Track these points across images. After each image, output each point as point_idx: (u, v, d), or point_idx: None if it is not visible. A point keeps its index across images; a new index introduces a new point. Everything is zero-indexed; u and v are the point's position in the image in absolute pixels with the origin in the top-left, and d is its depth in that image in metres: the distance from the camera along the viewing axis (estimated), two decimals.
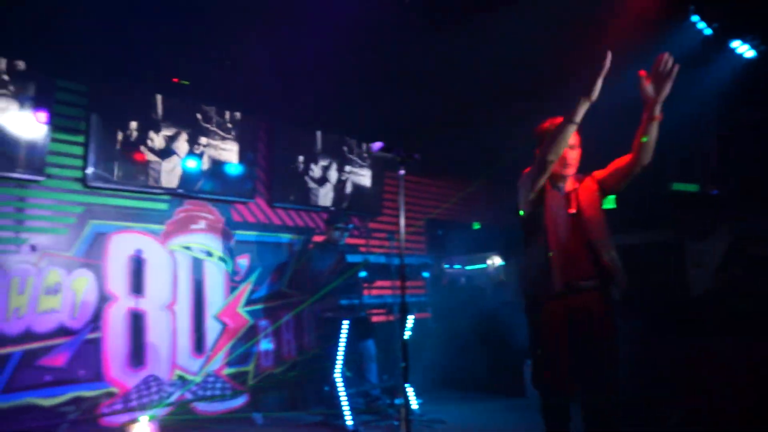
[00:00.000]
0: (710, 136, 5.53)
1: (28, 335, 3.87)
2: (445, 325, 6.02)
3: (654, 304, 4.67)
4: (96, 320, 4.18)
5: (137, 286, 4.45)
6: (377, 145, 2.54)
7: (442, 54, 4.51)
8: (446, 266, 6.77)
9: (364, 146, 6.09)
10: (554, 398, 2.52)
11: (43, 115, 3.97)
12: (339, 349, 4.36)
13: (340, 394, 4.25)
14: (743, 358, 3.71)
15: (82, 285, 4.16)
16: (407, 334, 2.46)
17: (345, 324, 4.39)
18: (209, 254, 4.91)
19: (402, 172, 2.56)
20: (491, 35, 4.05)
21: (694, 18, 4.57)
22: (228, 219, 5.08)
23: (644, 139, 2.43)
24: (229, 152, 5.04)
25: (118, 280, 4.34)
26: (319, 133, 5.74)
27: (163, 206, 4.67)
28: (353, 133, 5.96)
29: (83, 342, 4.09)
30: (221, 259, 4.98)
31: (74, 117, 4.24)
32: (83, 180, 4.23)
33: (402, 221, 2.52)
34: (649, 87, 2.38)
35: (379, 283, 5.30)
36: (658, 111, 2.40)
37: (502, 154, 5.19)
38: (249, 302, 5.11)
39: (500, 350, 5.42)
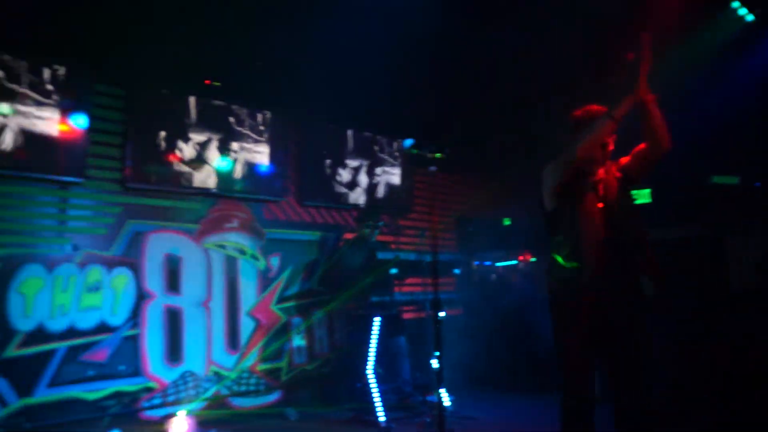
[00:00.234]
0: (752, 126, 5.33)
1: (72, 331, 4.00)
2: (476, 321, 5.98)
3: (692, 300, 4.55)
4: (135, 317, 4.30)
5: (173, 283, 4.55)
6: (408, 142, 2.53)
7: (474, 50, 4.47)
8: (476, 263, 6.71)
9: (395, 145, 6.09)
10: (578, 401, 2.40)
11: (82, 119, 4.09)
12: (370, 345, 4.39)
13: (372, 390, 4.27)
14: None
15: (122, 283, 4.29)
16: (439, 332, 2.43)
17: (376, 321, 4.41)
18: (242, 252, 4.99)
19: (433, 168, 2.54)
20: (526, 30, 4.00)
21: (735, 4, 4.42)
22: (260, 217, 5.15)
23: (645, 125, 2.33)
24: (260, 152, 5.11)
25: (155, 277, 4.45)
26: (350, 132, 5.76)
27: (197, 206, 4.77)
28: (383, 130, 5.97)
29: (123, 338, 4.22)
30: (254, 257, 5.06)
31: (112, 120, 4.36)
32: (121, 181, 4.35)
33: (434, 218, 2.51)
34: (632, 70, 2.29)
35: (409, 280, 5.31)
36: (646, 91, 2.29)
37: (533, 148, 5.13)
38: (281, 299, 5.17)
39: (531, 347, 5.36)
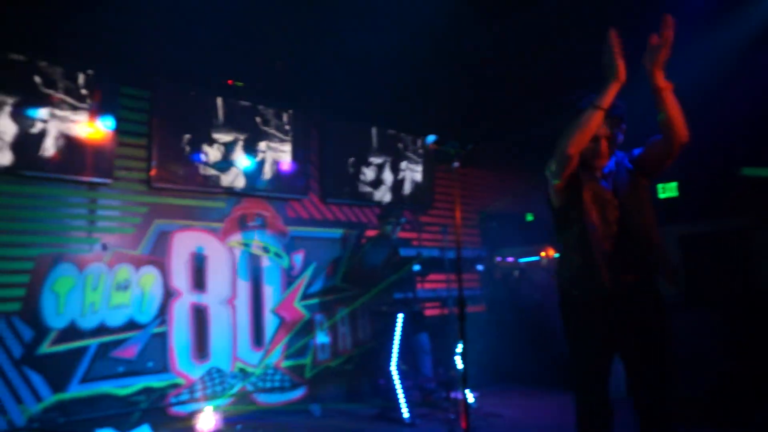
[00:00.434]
0: None
1: (102, 329, 4.10)
2: (500, 318, 5.95)
3: (722, 295, 4.46)
4: (162, 314, 4.38)
5: (199, 281, 4.63)
6: (431, 138, 2.52)
7: (495, 45, 4.42)
8: (498, 259, 6.67)
9: (418, 141, 6.08)
10: (594, 405, 2.27)
11: (110, 121, 4.18)
12: (393, 342, 4.40)
13: (395, 387, 4.29)
14: None
15: (149, 281, 4.37)
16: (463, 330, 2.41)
17: (399, 317, 4.41)
18: (266, 250, 5.05)
19: (456, 164, 2.52)
20: (548, 24, 3.94)
21: None
22: (283, 215, 5.20)
23: (661, 116, 2.14)
24: (283, 151, 5.15)
25: (181, 276, 4.53)
26: (373, 130, 5.77)
27: (221, 204, 4.84)
28: (406, 127, 5.96)
29: (151, 335, 4.30)
30: (277, 254, 5.11)
31: (138, 122, 4.44)
32: (147, 181, 4.43)
33: (457, 214, 2.49)
34: (648, 55, 2.10)
35: (432, 276, 5.30)
36: (662, 80, 2.11)
37: (556, 144, 5.05)
38: (305, 297, 5.22)
39: (555, 343, 5.30)
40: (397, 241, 5.10)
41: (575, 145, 2.20)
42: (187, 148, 4.60)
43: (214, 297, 4.69)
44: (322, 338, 5.24)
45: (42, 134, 3.93)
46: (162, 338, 4.36)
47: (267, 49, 4.34)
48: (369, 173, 5.72)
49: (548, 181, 2.41)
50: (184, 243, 4.59)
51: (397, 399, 4.28)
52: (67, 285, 3.99)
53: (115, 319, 4.17)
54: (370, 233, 5.60)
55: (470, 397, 4.54)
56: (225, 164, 4.78)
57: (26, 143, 3.86)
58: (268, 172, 5.04)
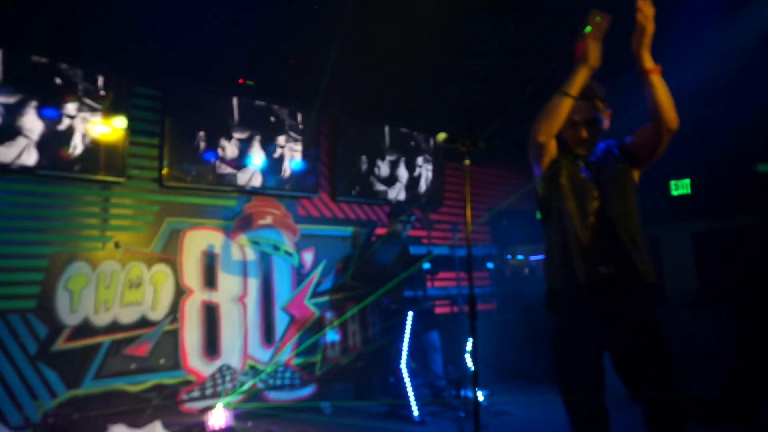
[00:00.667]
0: None
1: (115, 326, 4.14)
2: (509, 315, 5.93)
3: (733, 293, 4.41)
4: (174, 312, 4.42)
5: (210, 279, 4.66)
6: (442, 135, 2.50)
7: (507, 42, 4.40)
8: (508, 257, 6.65)
9: (428, 139, 6.07)
10: (585, 408, 2.10)
11: (123, 121, 4.22)
12: (403, 340, 4.40)
13: (405, 384, 4.29)
14: None
15: (161, 279, 4.41)
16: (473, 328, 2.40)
17: (409, 315, 4.42)
18: (276, 248, 5.07)
19: (467, 162, 2.51)
20: (559, 20, 3.91)
21: None
22: (293, 214, 5.22)
23: (648, 100, 2.03)
24: (294, 149, 5.17)
25: (192, 274, 4.56)
26: (385, 128, 5.77)
27: (232, 203, 4.86)
28: (417, 125, 5.96)
29: (163, 332, 4.34)
30: (287, 252, 5.13)
31: (150, 121, 4.48)
32: (159, 180, 4.47)
33: (468, 212, 2.47)
34: (634, 37, 2.00)
35: (442, 274, 5.30)
36: (649, 61, 2.01)
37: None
38: (315, 294, 5.24)
39: None
40: (407, 239, 5.10)
41: (543, 132, 2.14)
42: (199, 147, 4.63)
43: (225, 295, 4.72)
44: (332, 336, 5.26)
45: (58, 134, 3.98)
46: (174, 335, 4.39)
47: (279, 47, 4.35)
48: (382, 171, 5.72)
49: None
50: (196, 241, 4.62)
51: (407, 397, 4.28)
52: (80, 283, 4.03)
53: (128, 317, 4.21)
54: (380, 231, 5.61)
55: (480, 395, 4.54)
56: (236, 163, 4.80)
57: (42, 143, 3.91)
58: (278, 171, 5.06)
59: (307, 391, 5.02)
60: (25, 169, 3.85)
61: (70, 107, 4.04)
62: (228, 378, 4.61)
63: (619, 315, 2.11)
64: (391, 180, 5.81)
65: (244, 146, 4.88)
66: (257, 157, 4.94)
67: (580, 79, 2.08)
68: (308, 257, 5.25)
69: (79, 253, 4.06)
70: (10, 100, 3.82)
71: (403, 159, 5.89)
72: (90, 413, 3.92)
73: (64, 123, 4.01)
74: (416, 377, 4.50)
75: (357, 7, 3.66)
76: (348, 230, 5.55)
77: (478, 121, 5.42)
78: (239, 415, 4.34)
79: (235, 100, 4.84)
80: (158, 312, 4.35)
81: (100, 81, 4.15)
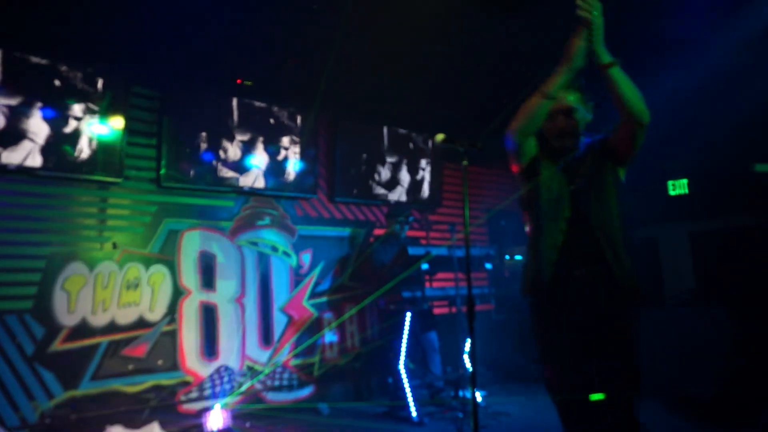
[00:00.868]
0: None
1: (113, 326, 4.13)
2: (508, 316, 5.93)
3: (731, 293, 4.41)
4: (172, 313, 4.41)
5: (208, 280, 4.65)
6: (440, 136, 2.50)
7: (507, 43, 4.40)
8: (507, 257, 6.65)
9: (427, 140, 6.07)
10: (575, 410, 2.12)
11: (120, 121, 4.21)
12: (402, 341, 4.40)
13: (404, 385, 4.29)
14: None
15: (159, 280, 4.40)
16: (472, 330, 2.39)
17: (408, 316, 4.41)
18: (274, 249, 5.06)
19: (465, 163, 2.51)
20: (559, 20, 3.90)
21: None
22: (292, 214, 5.21)
23: (611, 97, 1.97)
24: (292, 150, 5.17)
25: (190, 274, 4.55)
26: (384, 129, 5.77)
27: (230, 203, 4.86)
28: (415, 126, 5.95)
29: (161, 333, 4.33)
30: (285, 253, 5.12)
31: (148, 121, 4.47)
32: (157, 181, 4.46)
33: (467, 212, 2.47)
34: (586, 33, 1.96)
35: (440, 275, 5.29)
36: (605, 56, 1.97)
37: None
38: (313, 295, 5.23)
39: None
40: (406, 239, 5.09)
41: (519, 131, 2.12)
42: (197, 148, 4.62)
43: (223, 295, 4.71)
44: (330, 337, 5.25)
45: (56, 135, 3.97)
46: (172, 336, 4.38)
47: (278, 49, 4.35)
48: (377, 172, 5.72)
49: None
50: (194, 242, 4.61)
51: (406, 397, 4.28)
52: (78, 283, 4.02)
53: (126, 318, 4.20)
54: (379, 232, 5.60)
55: (478, 396, 4.53)
56: (234, 164, 4.79)
57: (39, 144, 3.89)
58: (277, 172, 5.05)
59: (306, 391, 5.01)
60: (22, 170, 3.84)
61: (69, 108, 4.02)
62: (226, 379, 4.60)
63: (586, 320, 2.05)
64: (390, 181, 5.80)
65: (243, 147, 4.87)
66: (255, 158, 4.93)
67: (559, 79, 2.05)
68: (306, 258, 5.24)
69: (76, 253, 4.05)
70: (9, 101, 3.80)
71: (401, 159, 5.89)
72: (87, 414, 3.91)
73: (65, 124, 4.00)
74: (414, 378, 4.49)
75: (356, 8, 3.65)
76: (346, 231, 5.55)
77: (477, 122, 5.41)
78: (237, 416, 4.33)
79: (233, 101, 4.83)
80: (156, 313, 4.34)
81: (99, 82, 4.13)
